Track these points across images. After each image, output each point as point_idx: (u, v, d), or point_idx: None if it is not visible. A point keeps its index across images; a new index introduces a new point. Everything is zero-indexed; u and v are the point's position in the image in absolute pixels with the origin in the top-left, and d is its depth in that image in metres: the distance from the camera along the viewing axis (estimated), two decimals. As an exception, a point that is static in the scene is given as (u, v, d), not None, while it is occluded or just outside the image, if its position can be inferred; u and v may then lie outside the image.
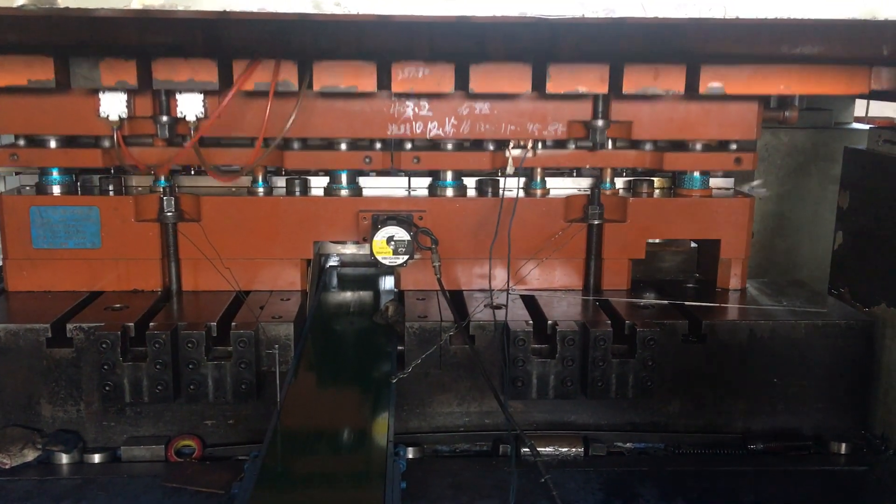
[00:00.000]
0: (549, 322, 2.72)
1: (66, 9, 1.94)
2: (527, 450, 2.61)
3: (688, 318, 2.78)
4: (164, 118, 2.82)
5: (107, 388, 2.58)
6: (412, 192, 3.20)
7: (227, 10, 1.95)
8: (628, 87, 2.69)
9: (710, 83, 2.69)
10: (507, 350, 2.64)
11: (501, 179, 3.10)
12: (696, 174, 3.10)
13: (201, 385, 2.61)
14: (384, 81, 2.69)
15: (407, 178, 3.23)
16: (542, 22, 2.09)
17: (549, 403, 2.78)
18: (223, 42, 2.69)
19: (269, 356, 2.67)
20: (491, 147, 3.03)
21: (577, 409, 2.81)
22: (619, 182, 3.22)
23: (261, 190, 3.06)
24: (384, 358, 2.76)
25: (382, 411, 2.43)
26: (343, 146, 3.00)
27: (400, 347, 2.77)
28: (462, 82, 2.70)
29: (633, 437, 2.81)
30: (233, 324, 2.66)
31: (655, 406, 2.81)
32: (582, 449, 2.71)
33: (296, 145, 2.99)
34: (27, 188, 3.09)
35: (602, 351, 2.64)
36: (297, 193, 3.07)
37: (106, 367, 2.57)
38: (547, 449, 2.69)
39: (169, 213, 2.94)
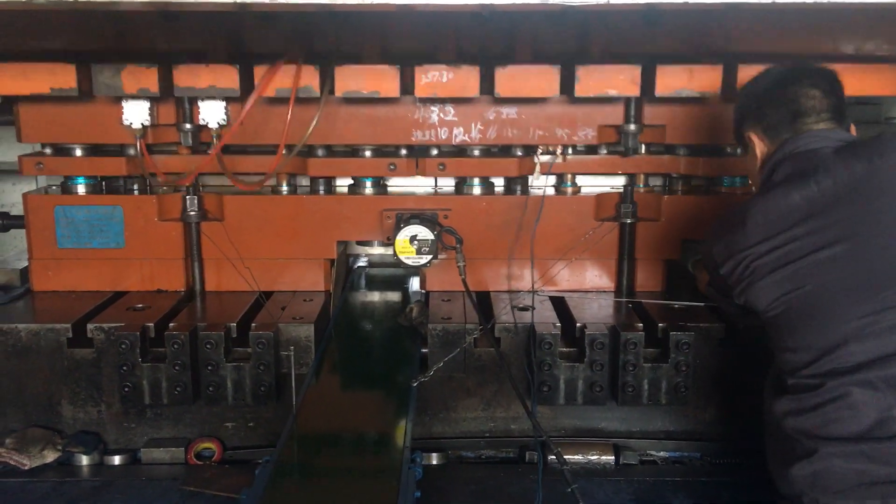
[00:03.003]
0: (578, 325, 2.61)
1: (88, 2, 1.91)
2: (554, 457, 2.51)
3: (725, 321, 2.64)
4: (188, 126, 2.79)
5: (126, 389, 2.55)
6: (438, 191, 3.13)
7: (247, 0, 1.91)
8: (661, 88, 2.59)
9: None
10: (534, 353, 2.54)
11: (530, 177, 3.00)
12: (735, 172, 2.97)
13: (220, 387, 2.56)
14: (408, 86, 2.62)
15: (433, 178, 3.15)
16: (569, 11, 2.00)
17: (577, 409, 2.67)
18: (244, 45, 2.65)
19: (289, 358, 2.61)
20: (519, 152, 2.94)
21: (608, 416, 2.70)
22: (653, 179, 3.10)
23: (284, 189, 3.01)
24: (407, 361, 2.68)
25: (401, 416, 2.35)
26: (367, 153, 2.93)
27: (423, 350, 2.69)
28: (488, 86, 2.61)
29: (667, 445, 2.69)
30: (252, 325, 2.61)
31: (690, 413, 2.69)
32: (612, 457, 2.60)
33: (320, 152, 2.93)
34: (53, 188, 3.09)
35: (633, 355, 2.52)
36: (322, 192, 3.01)
37: (125, 367, 2.53)
38: (575, 457, 2.58)
39: (192, 213, 2.90)
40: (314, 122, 2.64)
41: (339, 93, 2.59)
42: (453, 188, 3.09)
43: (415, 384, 2.48)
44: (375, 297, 3.20)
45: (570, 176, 3.01)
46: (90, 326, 2.62)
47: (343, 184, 3.09)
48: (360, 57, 2.68)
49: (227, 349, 2.58)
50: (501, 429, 2.70)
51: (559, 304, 2.85)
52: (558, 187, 3.02)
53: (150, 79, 2.57)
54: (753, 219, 2.04)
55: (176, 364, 2.52)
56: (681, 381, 2.54)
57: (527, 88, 2.59)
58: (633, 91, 2.60)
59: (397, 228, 2.74)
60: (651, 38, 2.73)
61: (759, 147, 2.19)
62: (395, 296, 3.20)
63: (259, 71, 2.58)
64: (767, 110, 2.16)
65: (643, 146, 2.93)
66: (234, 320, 2.63)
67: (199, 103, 2.73)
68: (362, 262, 3.44)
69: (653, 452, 2.68)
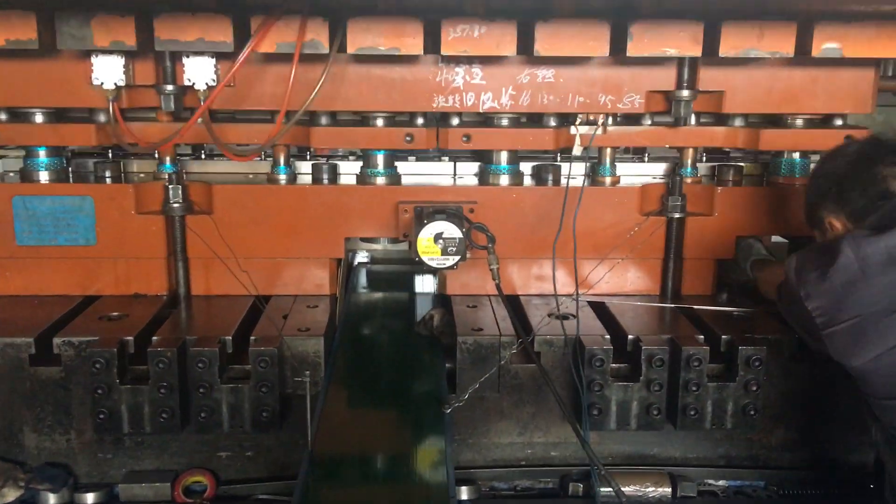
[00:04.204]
0: (630, 337, 2.27)
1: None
2: (606, 490, 2.18)
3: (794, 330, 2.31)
4: (170, 87, 2.37)
5: (101, 417, 2.15)
6: (458, 180, 2.76)
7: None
8: (726, 48, 2.26)
9: (826, 44, 2.26)
10: (582, 371, 2.19)
11: (564, 165, 2.65)
12: (797, 157, 2.64)
13: (214, 412, 2.18)
14: (431, 43, 2.25)
15: (452, 164, 2.79)
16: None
17: (627, 433, 2.33)
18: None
19: (294, 375, 2.25)
20: (553, 123, 2.58)
21: (661, 440, 2.38)
22: (702, 168, 2.76)
23: (283, 177, 2.61)
24: (431, 378, 2.31)
25: (434, 450, 1.99)
26: (380, 122, 2.54)
27: (449, 365, 2.33)
28: (524, 45, 2.26)
29: (728, 473, 2.38)
30: (252, 338, 2.23)
31: (755, 437, 2.37)
32: (669, 489, 2.29)
33: (324, 120, 2.54)
34: (10, 175, 2.66)
35: (696, 373, 2.19)
36: (326, 181, 2.62)
37: (100, 391, 2.14)
38: (628, 488, 2.25)
39: (175, 205, 2.50)
40: (320, 83, 2.25)
41: (352, 49, 2.21)
42: (476, 178, 2.73)
43: (448, 410, 2.11)
44: (384, 300, 2.82)
45: (608, 156, 2.65)
46: (57, 341, 2.22)
47: (349, 171, 2.71)
48: (374, 8, 2.29)
49: (222, 367, 2.19)
50: (540, 456, 2.36)
51: (600, 310, 2.51)
52: (594, 176, 2.67)
53: (125, 30, 2.17)
54: (874, 250, 1.75)
55: (161, 387, 2.13)
56: (750, 402, 2.21)
57: (572, 47, 2.24)
58: (695, 50, 2.26)
59: (419, 225, 2.36)
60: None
61: (844, 233, 1.96)
62: (405, 298, 2.83)
63: (256, 22, 2.19)
64: (851, 195, 1.94)
65: (693, 116, 2.59)
66: (228, 332, 2.25)
67: (184, 60, 2.32)
68: (362, 258, 3.05)
69: (711, 482, 2.36)
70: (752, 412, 2.21)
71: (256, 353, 2.17)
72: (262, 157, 2.66)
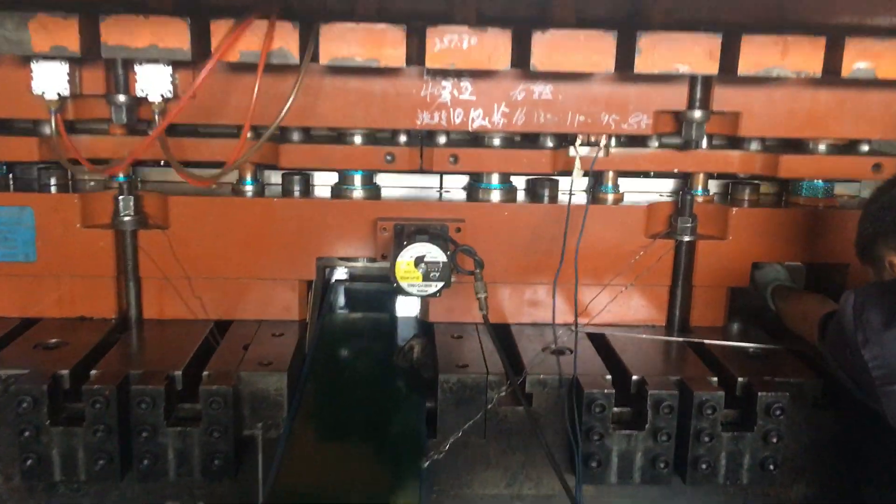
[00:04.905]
0: (635, 378, 2.00)
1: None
2: (602, 552, 1.92)
3: (818, 372, 2.06)
4: (121, 98, 2.13)
5: (28, 462, 1.88)
6: (445, 195, 2.49)
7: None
8: (746, 65, 2.01)
9: (857, 62, 2.01)
10: (579, 416, 1.93)
11: (561, 179, 2.39)
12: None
13: (159, 458, 1.92)
14: (415, 54, 2.00)
15: (438, 177, 2.52)
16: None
17: (628, 486, 2.07)
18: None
19: (253, 415, 1.99)
20: (550, 144, 2.32)
21: (666, 493, 2.11)
22: (714, 186, 2.50)
23: (249, 189, 2.35)
24: (409, 419, 2.05)
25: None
26: (357, 139, 2.28)
27: (429, 404, 2.07)
28: (519, 57, 2.00)
29: (742, 532, 2.12)
30: (205, 373, 1.96)
31: (772, 491, 2.11)
32: (676, 551, 2.02)
33: (295, 137, 2.28)
34: (-59, 181, 2.38)
35: (709, 421, 1.93)
36: (297, 194, 2.36)
37: (27, 433, 1.87)
38: (629, 551, 1.99)
39: (126, 218, 2.23)
40: (291, 98, 1.99)
41: (325, 59, 1.96)
42: (464, 193, 2.47)
43: (426, 464, 1.85)
44: (361, 322, 2.56)
45: (611, 176, 2.39)
46: (-19, 374, 1.95)
47: (324, 182, 2.44)
48: (352, 14, 2.04)
49: (170, 407, 1.92)
50: (530, 510, 2.09)
51: (600, 343, 2.25)
52: (595, 193, 2.40)
53: (68, 33, 1.91)
54: None
55: (97, 429, 1.86)
56: (769, 455, 1.95)
57: (573, 61, 1.98)
58: (711, 67, 2.01)
59: (398, 246, 2.09)
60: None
61: None
62: (385, 319, 2.58)
63: (217, 27, 1.93)
64: None
65: (705, 139, 2.34)
66: (179, 367, 1.98)
67: (137, 68, 2.07)
68: (341, 276, 2.78)
69: (723, 541, 2.10)
70: (772, 466, 1.95)
71: (208, 393, 1.90)
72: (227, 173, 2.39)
